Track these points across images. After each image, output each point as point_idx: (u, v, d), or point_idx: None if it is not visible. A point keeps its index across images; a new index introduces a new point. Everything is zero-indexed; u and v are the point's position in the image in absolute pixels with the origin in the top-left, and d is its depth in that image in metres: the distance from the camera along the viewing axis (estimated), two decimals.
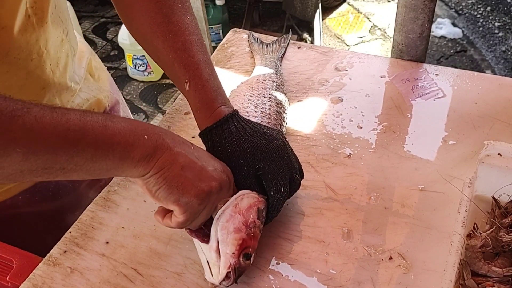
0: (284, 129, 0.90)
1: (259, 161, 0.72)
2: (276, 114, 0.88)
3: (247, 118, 0.82)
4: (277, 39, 1.11)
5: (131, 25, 0.82)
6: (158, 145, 0.62)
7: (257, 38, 1.12)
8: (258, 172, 0.72)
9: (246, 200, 0.71)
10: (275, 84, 0.95)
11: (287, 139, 0.78)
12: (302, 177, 0.77)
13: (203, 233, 0.69)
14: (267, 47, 1.08)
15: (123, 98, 1.15)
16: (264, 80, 0.95)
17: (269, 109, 0.88)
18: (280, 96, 0.93)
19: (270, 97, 0.91)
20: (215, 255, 0.67)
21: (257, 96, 0.90)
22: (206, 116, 0.75)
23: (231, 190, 0.71)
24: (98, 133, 0.58)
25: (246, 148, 0.72)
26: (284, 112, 0.91)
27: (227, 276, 0.67)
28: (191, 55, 0.75)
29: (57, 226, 0.83)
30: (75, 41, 0.91)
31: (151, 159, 0.62)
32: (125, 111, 1.13)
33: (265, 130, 0.75)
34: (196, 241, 0.70)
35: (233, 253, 0.67)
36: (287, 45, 1.10)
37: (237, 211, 0.69)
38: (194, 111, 0.77)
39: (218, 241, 0.68)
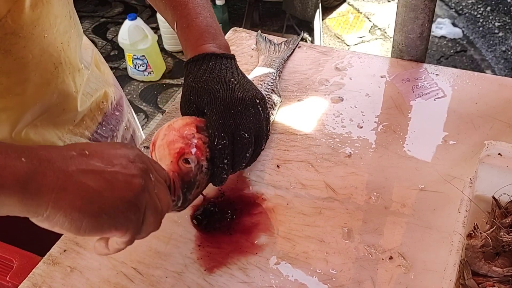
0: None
1: (205, 106, 0.70)
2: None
3: None
4: (286, 40, 1.11)
5: None
6: (39, 169, 0.48)
7: (265, 37, 1.11)
8: (205, 116, 0.70)
9: (181, 121, 0.68)
10: (269, 85, 0.94)
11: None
12: (266, 137, 0.75)
13: None
14: (274, 47, 1.08)
15: (125, 95, 1.16)
16: (257, 84, 0.94)
17: None
18: (273, 96, 0.93)
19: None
20: None
21: None
22: (190, 53, 0.74)
23: (158, 164, 0.63)
24: None
25: (199, 87, 0.70)
26: (273, 110, 0.92)
27: (172, 187, 0.62)
28: None
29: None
30: (81, 27, 0.92)
31: (37, 189, 0.48)
32: (128, 106, 1.15)
33: (233, 79, 0.72)
34: None
35: (171, 161, 0.64)
36: (296, 46, 1.10)
37: (171, 129, 0.67)
38: (183, 50, 0.77)
39: (158, 161, 0.65)
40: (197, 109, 0.72)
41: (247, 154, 0.72)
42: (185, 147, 0.65)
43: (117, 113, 1.06)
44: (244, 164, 0.74)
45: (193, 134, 0.67)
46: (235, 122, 0.69)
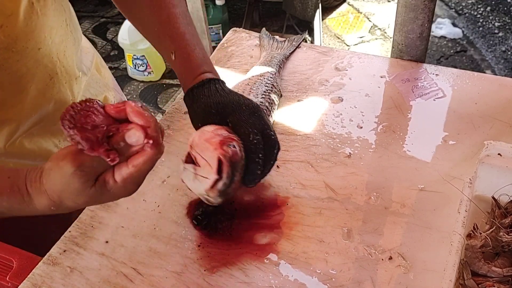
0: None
1: (229, 114, 0.73)
2: (265, 111, 0.89)
3: None
4: (289, 38, 1.12)
5: None
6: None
7: (269, 34, 1.12)
8: (229, 124, 0.73)
9: (210, 127, 0.71)
10: (269, 83, 0.95)
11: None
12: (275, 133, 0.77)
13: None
14: (277, 44, 1.09)
15: (125, 98, 1.16)
16: (256, 81, 0.95)
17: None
18: (272, 96, 0.93)
19: (262, 96, 0.91)
20: (203, 162, 0.66)
21: (248, 95, 0.91)
22: (190, 81, 0.78)
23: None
24: None
25: (221, 101, 0.74)
26: (271, 111, 0.92)
27: (220, 171, 0.65)
28: (175, 27, 0.79)
29: (62, 225, 0.82)
30: (79, 31, 0.93)
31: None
32: None
33: (241, 97, 0.76)
34: (186, 175, 0.69)
35: (215, 149, 0.66)
36: (299, 44, 1.10)
37: (205, 132, 0.70)
38: (180, 79, 0.81)
39: (199, 154, 0.67)
40: (220, 121, 0.73)
41: (275, 151, 0.75)
42: (225, 139, 0.68)
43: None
44: (272, 163, 0.75)
45: (227, 132, 0.70)
46: (261, 122, 0.73)
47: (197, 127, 0.76)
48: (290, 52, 1.08)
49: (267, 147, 0.73)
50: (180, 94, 1.05)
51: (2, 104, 0.76)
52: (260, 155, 0.71)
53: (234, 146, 0.67)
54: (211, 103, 0.74)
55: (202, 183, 0.66)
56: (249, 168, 0.71)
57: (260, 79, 0.95)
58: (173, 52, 0.79)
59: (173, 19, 0.79)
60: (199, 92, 0.76)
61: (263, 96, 0.91)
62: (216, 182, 0.65)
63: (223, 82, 0.78)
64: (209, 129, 0.71)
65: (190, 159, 0.70)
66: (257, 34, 1.15)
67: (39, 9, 0.74)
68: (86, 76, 0.92)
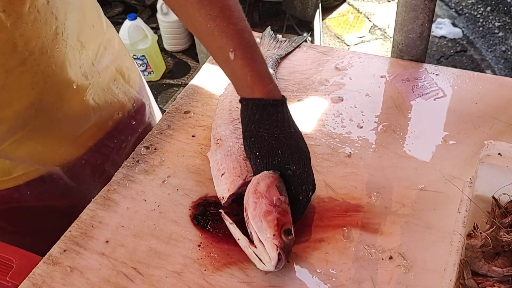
0: None
1: (294, 163, 0.73)
2: None
3: (234, 120, 0.83)
4: (290, 38, 1.12)
5: None
6: None
7: (272, 34, 1.12)
8: (288, 171, 0.73)
9: (263, 183, 0.72)
10: None
11: None
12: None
13: (248, 236, 0.71)
14: (276, 43, 1.09)
15: (152, 102, 1.12)
16: None
17: None
18: None
19: None
20: (260, 246, 0.68)
21: None
22: (260, 87, 0.74)
23: None
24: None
25: (291, 144, 0.73)
26: None
27: (279, 258, 0.67)
28: (232, 23, 0.72)
29: (66, 223, 0.82)
30: (88, 32, 0.87)
31: None
32: (152, 114, 1.11)
33: (300, 133, 0.76)
34: (241, 242, 0.72)
35: (274, 235, 0.68)
36: (298, 45, 1.10)
37: (259, 196, 0.71)
38: (239, 80, 0.75)
39: (256, 232, 0.69)
40: (280, 163, 0.73)
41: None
42: (281, 218, 0.70)
43: (133, 122, 1.02)
44: None
45: (278, 198, 0.71)
46: (312, 174, 0.76)
47: (253, 152, 0.75)
48: (286, 52, 1.08)
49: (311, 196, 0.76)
50: (181, 93, 1.05)
51: None
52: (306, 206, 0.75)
53: (290, 232, 0.69)
54: (282, 142, 0.72)
55: (259, 263, 0.69)
56: (297, 218, 0.74)
57: None
58: (232, 50, 0.72)
59: (228, 13, 0.71)
60: (272, 112, 0.73)
61: None
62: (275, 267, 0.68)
63: (286, 105, 0.76)
64: (262, 188, 0.71)
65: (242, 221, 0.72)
66: (257, 34, 1.14)
67: (10, 24, 0.70)
68: (88, 81, 0.87)
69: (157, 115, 1.14)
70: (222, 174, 0.80)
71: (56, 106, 0.83)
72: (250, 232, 0.70)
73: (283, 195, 0.72)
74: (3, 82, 0.73)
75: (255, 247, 0.69)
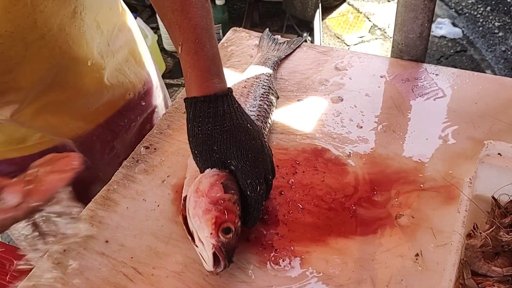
0: (267, 129, 0.89)
1: (233, 158, 0.71)
2: (265, 113, 0.89)
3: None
4: (289, 40, 1.12)
5: None
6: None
7: (271, 36, 1.12)
8: (231, 167, 0.72)
9: (205, 181, 0.70)
10: (266, 86, 0.95)
11: (267, 139, 0.78)
12: (273, 176, 0.77)
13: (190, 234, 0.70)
14: (275, 46, 1.09)
15: (160, 84, 1.16)
16: (253, 84, 0.95)
17: (258, 110, 0.88)
18: (270, 97, 0.93)
19: (261, 98, 0.91)
20: (200, 245, 0.67)
21: (246, 97, 0.90)
22: (196, 84, 0.73)
23: None
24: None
25: (225, 139, 0.71)
26: (270, 113, 0.91)
27: (215, 258, 0.66)
28: (187, 17, 0.72)
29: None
30: (104, 14, 0.90)
31: None
32: (162, 97, 1.15)
33: (248, 125, 0.73)
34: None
35: (211, 233, 0.66)
36: (297, 47, 1.10)
37: (200, 194, 0.69)
38: (184, 75, 0.75)
39: (196, 231, 0.68)
40: (219, 159, 0.72)
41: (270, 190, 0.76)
42: (220, 215, 0.68)
43: (143, 103, 1.05)
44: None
45: (222, 197, 0.69)
46: (264, 166, 0.73)
47: (192, 151, 0.74)
48: (286, 54, 1.08)
49: (267, 193, 0.75)
50: (181, 93, 1.06)
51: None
52: (261, 205, 0.73)
53: (229, 231, 0.67)
54: (217, 138, 0.71)
55: (205, 263, 0.68)
56: (253, 216, 0.73)
57: (257, 82, 0.94)
58: (180, 44, 0.73)
59: (186, 8, 0.72)
60: (204, 109, 0.71)
61: (262, 98, 0.91)
62: (215, 269, 0.67)
63: (231, 97, 0.73)
64: (204, 187, 0.69)
65: (185, 218, 0.71)
66: (257, 34, 1.15)
67: (30, 2, 0.73)
68: (103, 60, 0.90)
69: (168, 100, 1.20)
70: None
71: (72, 81, 0.86)
72: (192, 231, 0.69)
73: (228, 193, 0.70)
74: (23, 53, 0.76)
75: (197, 246, 0.68)
